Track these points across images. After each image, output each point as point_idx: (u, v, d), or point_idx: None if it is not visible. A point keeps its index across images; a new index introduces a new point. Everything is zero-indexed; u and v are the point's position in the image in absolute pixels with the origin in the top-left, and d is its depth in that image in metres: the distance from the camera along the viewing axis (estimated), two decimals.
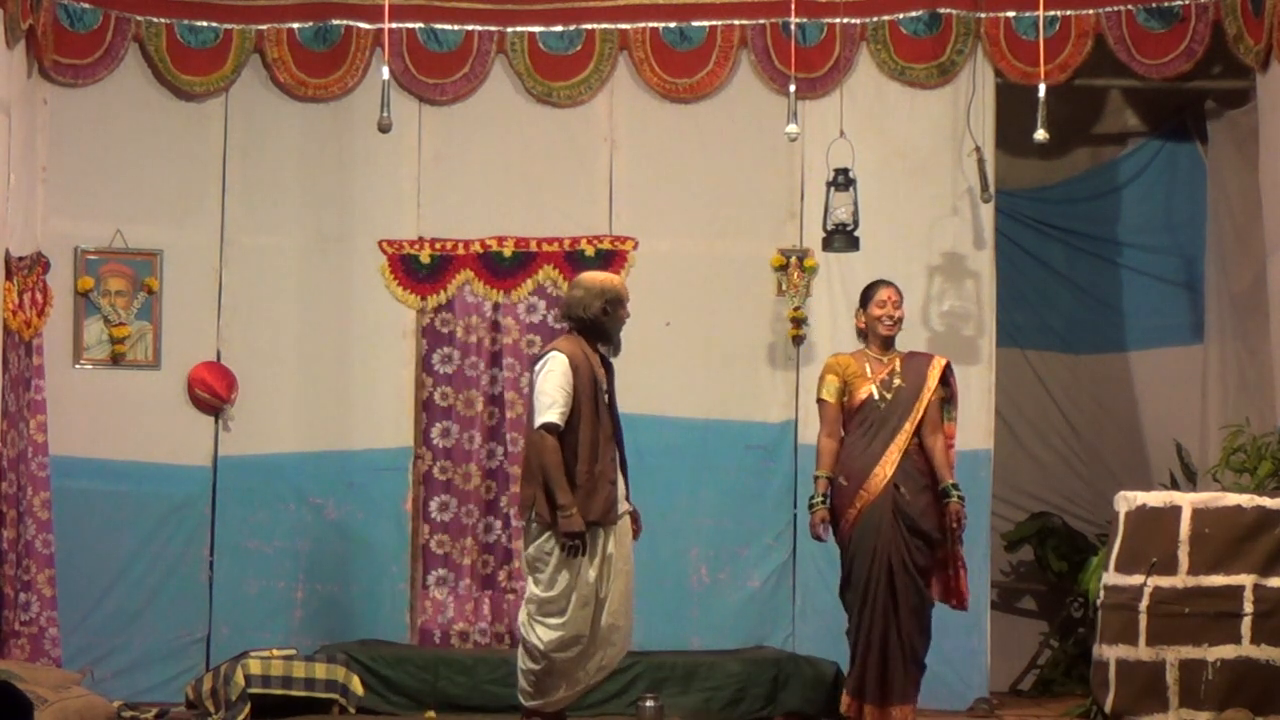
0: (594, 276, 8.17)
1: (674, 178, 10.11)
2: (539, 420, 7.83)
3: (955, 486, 8.40)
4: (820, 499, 8.44)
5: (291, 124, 10.11)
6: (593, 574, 7.86)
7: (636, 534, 8.11)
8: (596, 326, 7.99)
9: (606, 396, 7.98)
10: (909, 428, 8.36)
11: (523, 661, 7.95)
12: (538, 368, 7.96)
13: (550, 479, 7.76)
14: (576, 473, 7.80)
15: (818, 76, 9.97)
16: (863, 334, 8.59)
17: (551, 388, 7.81)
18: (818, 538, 8.49)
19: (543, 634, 7.85)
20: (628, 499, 8.09)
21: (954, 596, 8.47)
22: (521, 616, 7.95)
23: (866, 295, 8.56)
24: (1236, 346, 10.42)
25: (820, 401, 8.53)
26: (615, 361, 8.12)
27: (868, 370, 8.45)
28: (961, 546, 8.44)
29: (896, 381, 8.42)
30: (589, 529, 7.80)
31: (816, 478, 8.48)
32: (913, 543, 8.29)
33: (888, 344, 8.52)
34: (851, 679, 8.37)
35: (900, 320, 8.52)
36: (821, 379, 8.56)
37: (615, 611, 7.93)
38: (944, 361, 8.53)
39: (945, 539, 8.38)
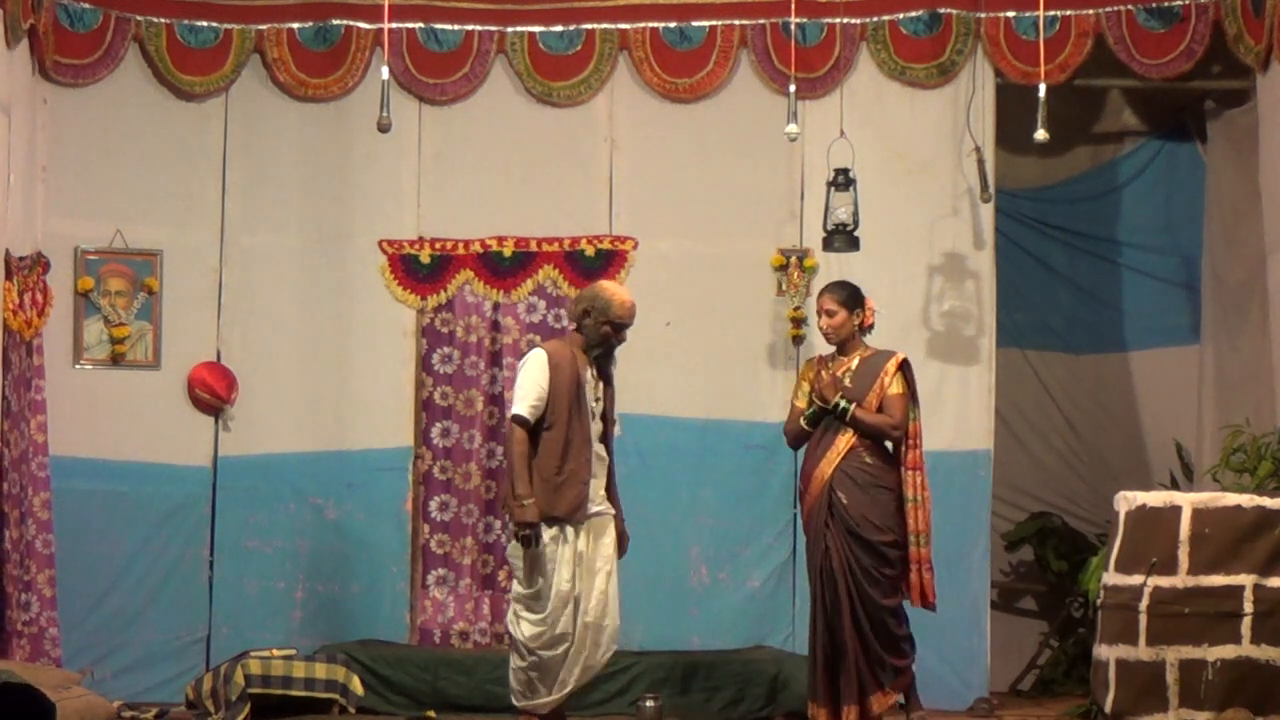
0: (601, 285, 8.28)
1: (674, 178, 10.10)
2: (509, 412, 8.02)
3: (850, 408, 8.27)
4: None
5: (291, 124, 10.10)
6: (567, 572, 7.92)
7: (622, 550, 8.17)
8: (581, 331, 8.07)
9: (596, 403, 8.04)
10: (849, 431, 8.33)
11: (513, 660, 8.03)
12: (520, 362, 8.13)
13: (512, 468, 7.92)
14: (544, 468, 7.90)
15: (818, 76, 9.96)
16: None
17: (526, 381, 7.99)
18: None
19: (525, 629, 7.95)
20: (615, 505, 8.16)
21: (916, 594, 8.34)
22: (508, 614, 8.05)
23: None
24: (1232, 345, 10.41)
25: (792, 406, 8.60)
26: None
27: (824, 373, 8.44)
28: (923, 548, 8.30)
29: (846, 383, 8.37)
30: (555, 525, 7.89)
31: None
32: (854, 545, 8.24)
33: (841, 347, 8.47)
34: (808, 684, 8.41)
35: (834, 328, 8.41)
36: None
37: (593, 610, 7.96)
38: (899, 358, 8.39)
39: (902, 541, 8.28)
